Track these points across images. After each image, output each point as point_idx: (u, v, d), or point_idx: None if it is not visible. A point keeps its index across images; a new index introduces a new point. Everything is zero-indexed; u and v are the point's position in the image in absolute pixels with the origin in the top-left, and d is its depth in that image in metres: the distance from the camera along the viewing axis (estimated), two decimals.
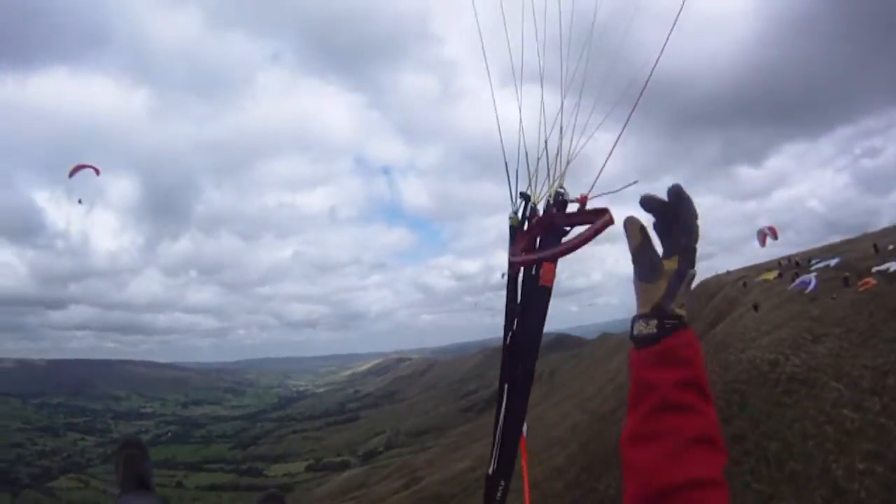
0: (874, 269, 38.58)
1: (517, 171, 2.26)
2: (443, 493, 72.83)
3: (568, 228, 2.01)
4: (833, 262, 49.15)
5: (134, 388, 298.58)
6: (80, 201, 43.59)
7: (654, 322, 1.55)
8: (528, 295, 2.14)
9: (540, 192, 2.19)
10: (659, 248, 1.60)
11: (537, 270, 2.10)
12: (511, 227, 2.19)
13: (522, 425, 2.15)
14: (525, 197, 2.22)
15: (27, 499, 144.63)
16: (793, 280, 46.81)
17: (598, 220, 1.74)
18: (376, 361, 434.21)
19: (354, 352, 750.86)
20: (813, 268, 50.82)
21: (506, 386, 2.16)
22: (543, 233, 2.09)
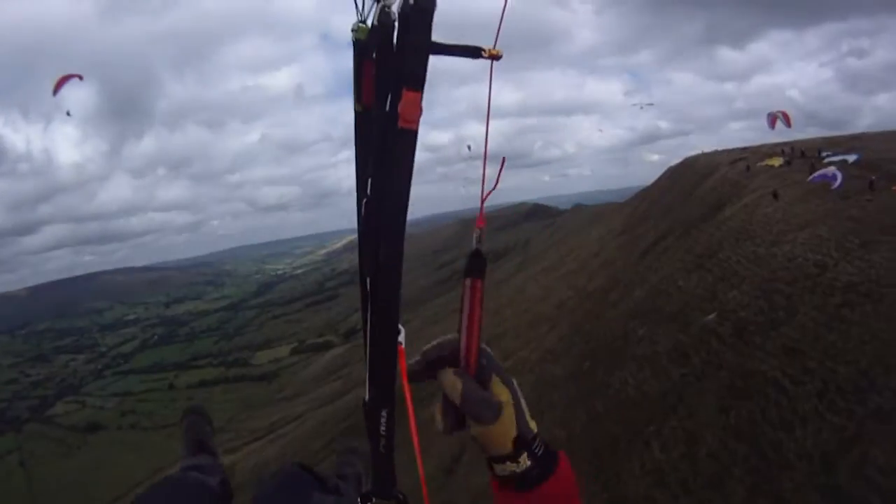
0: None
1: None
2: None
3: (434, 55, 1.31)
4: (851, 157, 44.47)
5: (116, 297, 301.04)
6: (68, 113, 41.96)
7: (524, 456, 1.33)
8: (383, 143, 1.34)
9: None
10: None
11: (394, 103, 1.27)
12: (356, 44, 1.46)
13: (395, 334, 1.39)
14: None
15: (31, 433, 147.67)
16: (811, 172, 41.96)
17: (480, 53, 1.31)
18: (351, 237, 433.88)
19: (329, 229, 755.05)
20: (826, 160, 47.04)
21: (367, 280, 1.40)
22: (405, 55, 1.29)
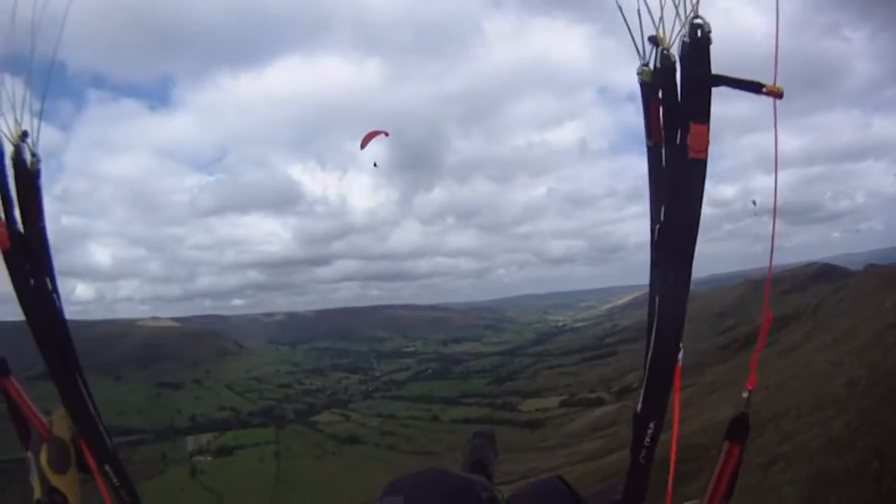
0: None
1: (639, 11, 1.66)
2: (698, 444, 63.84)
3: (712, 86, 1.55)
4: None
5: (396, 329, 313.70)
6: (375, 164, 46.86)
7: None
8: (675, 173, 1.62)
9: (672, 35, 1.60)
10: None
11: (683, 137, 1.57)
12: (643, 86, 1.68)
13: (678, 351, 1.74)
14: (654, 41, 1.65)
15: (291, 431, 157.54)
16: None
17: (761, 88, 1.51)
18: (636, 294, 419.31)
19: (614, 285, 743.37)
20: None
21: (656, 299, 1.71)
22: (688, 91, 1.57)
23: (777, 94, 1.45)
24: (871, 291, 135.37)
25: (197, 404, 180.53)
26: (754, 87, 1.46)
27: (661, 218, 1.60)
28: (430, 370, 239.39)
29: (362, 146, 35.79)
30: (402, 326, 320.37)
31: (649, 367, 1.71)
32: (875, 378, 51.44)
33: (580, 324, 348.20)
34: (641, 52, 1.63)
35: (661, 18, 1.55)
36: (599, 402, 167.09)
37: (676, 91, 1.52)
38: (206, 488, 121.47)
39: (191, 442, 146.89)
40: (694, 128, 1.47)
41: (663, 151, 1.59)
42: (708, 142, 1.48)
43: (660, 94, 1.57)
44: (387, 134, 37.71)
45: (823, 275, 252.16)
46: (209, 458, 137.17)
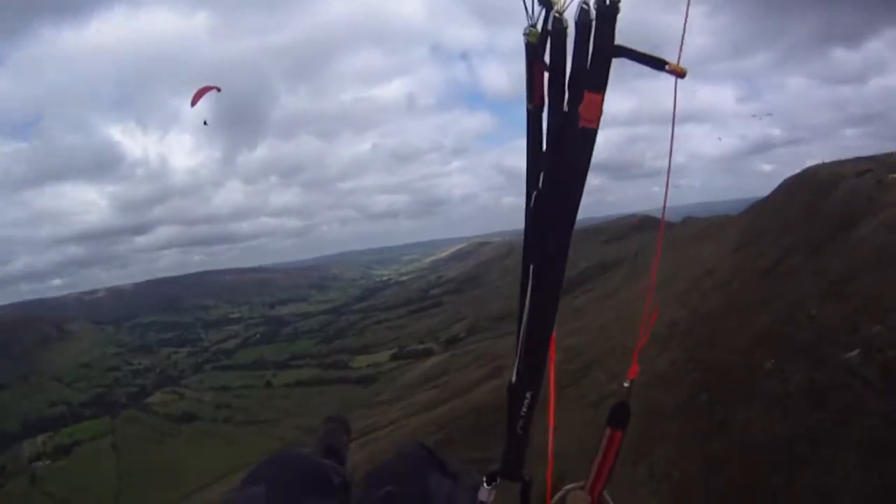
0: None
1: None
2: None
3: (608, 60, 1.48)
4: None
5: (222, 296, 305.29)
6: (205, 122, 42.81)
7: None
8: (559, 140, 1.54)
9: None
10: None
11: (574, 104, 1.49)
12: (527, 47, 1.58)
13: (552, 322, 1.69)
14: (546, 3, 1.54)
15: (127, 418, 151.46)
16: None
17: (664, 66, 1.47)
18: (459, 246, 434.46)
19: (437, 238, 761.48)
20: None
21: (531, 268, 1.68)
22: (589, 59, 1.48)
23: (680, 74, 1.50)
24: (688, 241, 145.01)
25: (26, 403, 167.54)
26: (657, 64, 1.50)
27: (540, 184, 1.62)
28: (258, 335, 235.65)
29: (193, 103, 35.06)
30: (228, 292, 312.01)
31: (524, 336, 1.72)
32: (695, 320, 53.76)
33: (405, 277, 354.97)
34: (530, 11, 1.59)
35: None
36: (429, 353, 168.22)
37: (565, 56, 1.52)
38: (48, 496, 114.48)
39: (27, 447, 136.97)
40: (588, 96, 1.47)
41: (546, 116, 1.59)
42: (602, 111, 1.50)
43: (546, 58, 1.57)
44: (219, 90, 36.81)
45: (644, 226, 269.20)
46: (47, 462, 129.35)
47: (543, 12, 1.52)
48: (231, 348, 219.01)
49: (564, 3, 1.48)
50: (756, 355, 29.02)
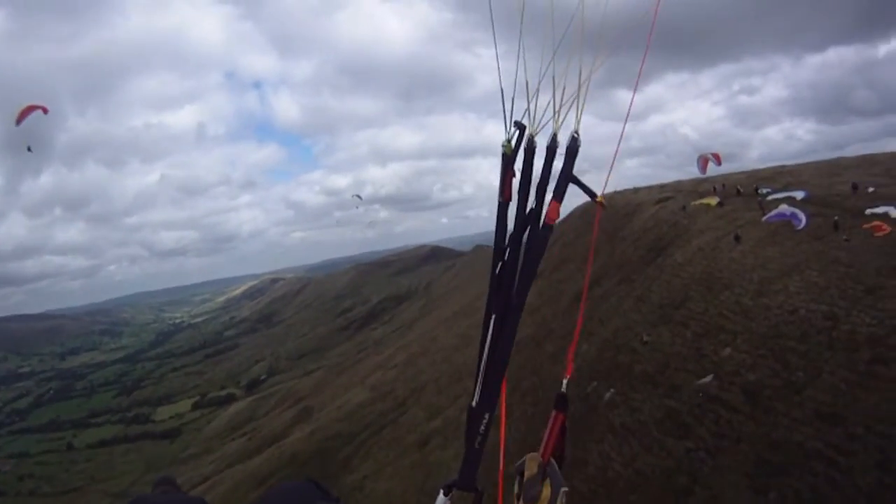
0: (869, 212, 33.51)
1: (513, 99, 2.06)
2: (344, 431, 69.43)
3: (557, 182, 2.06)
4: (798, 195, 41.55)
5: (9, 347, 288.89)
6: (29, 149, 39.19)
7: None
8: (524, 229, 2.09)
9: (538, 125, 2.06)
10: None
11: (539, 206, 2.06)
12: (504, 156, 2.09)
13: (507, 358, 2.09)
14: (520, 126, 2.09)
15: None
16: (763, 211, 41.29)
17: (595, 197, 2.11)
18: (250, 283, 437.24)
19: (228, 275, 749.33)
20: (770, 197, 44.91)
21: (493, 317, 2.10)
22: (560, 181, 2.06)
23: (602, 205, 2.08)
24: (480, 269, 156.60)
25: None
26: (591, 194, 2.05)
27: (505, 257, 2.07)
28: (51, 390, 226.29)
29: (18, 122, 33.30)
30: (14, 342, 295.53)
31: (487, 365, 2.04)
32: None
33: (198, 319, 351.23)
34: (507, 128, 2.05)
35: (533, 114, 2.03)
36: (231, 399, 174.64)
37: (532, 168, 2.01)
38: None
39: None
40: (553, 204, 1.98)
41: (516, 212, 2.06)
42: (559, 214, 2.00)
43: (516, 165, 2.05)
44: (45, 111, 34.66)
45: (433, 256, 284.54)
46: None
47: (517, 133, 2.05)
48: (24, 407, 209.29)
49: (537, 129, 2.02)
50: (591, 386, 33.35)
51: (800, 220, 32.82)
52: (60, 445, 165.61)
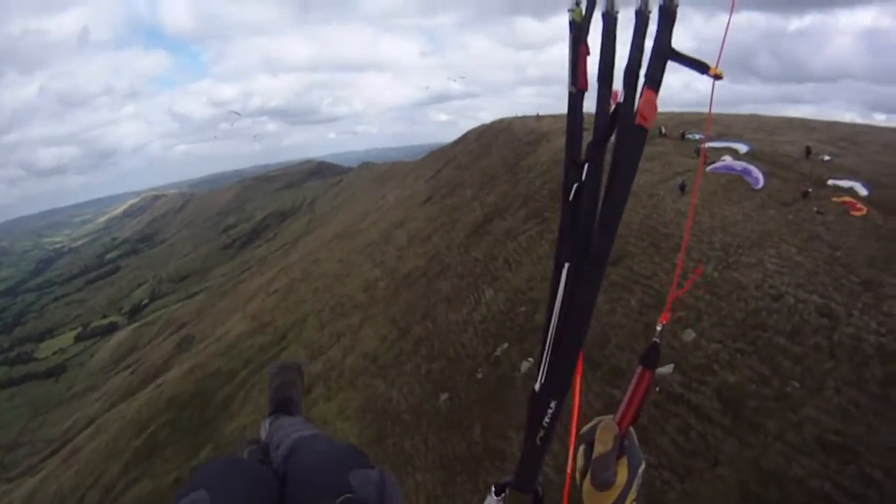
0: (832, 183, 31.21)
1: None
2: (224, 368, 60.62)
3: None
4: (743, 148, 38.62)
5: None
6: None
7: None
8: (609, 134, 1.39)
9: None
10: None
11: (629, 100, 1.34)
12: (572, 24, 1.43)
13: (586, 327, 1.45)
14: None
15: None
16: (700, 158, 38.71)
17: (706, 69, 1.34)
18: (131, 202, 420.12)
19: (109, 194, 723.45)
20: (707, 146, 41.27)
21: (565, 267, 1.45)
22: (652, 60, 1.34)
23: (718, 77, 1.32)
24: (365, 187, 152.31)
25: None
26: (700, 67, 1.32)
27: (583, 176, 1.42)
28: None
29: None
30: None
31: (555, 342, 1.47)
32: (395, 281, 49.99)
33: (79, 242, 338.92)
34: None
35: None
36: (113, 328, 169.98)
37: (615, 46, 1.37)
38: None
39: None
40: (647, 94, 1.30)
41: (596, 108, 1.40)
42: (657, 110, 1.32)
43: (588, 40, 1.41)
44: None
45: (319, 172, 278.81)
46: None
47: None
48: None
49: None
50: (502, 347, 28.98)
51: (756, 180, 30.28)
52: None
